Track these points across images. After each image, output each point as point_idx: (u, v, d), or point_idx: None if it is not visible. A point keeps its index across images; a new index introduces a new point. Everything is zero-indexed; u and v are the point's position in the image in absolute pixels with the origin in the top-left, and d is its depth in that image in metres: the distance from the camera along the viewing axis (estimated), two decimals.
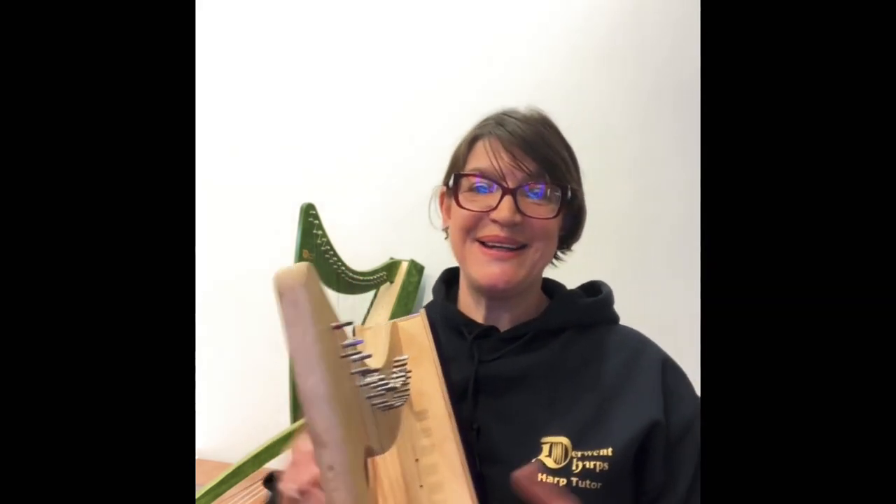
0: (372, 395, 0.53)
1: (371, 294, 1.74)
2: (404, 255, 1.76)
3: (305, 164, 1.96)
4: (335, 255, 1.50)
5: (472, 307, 0.80)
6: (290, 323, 0.45)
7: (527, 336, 0.75)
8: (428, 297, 1.77)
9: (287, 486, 0.56)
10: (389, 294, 1.70)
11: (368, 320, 1.69)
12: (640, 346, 0.76)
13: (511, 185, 0.70)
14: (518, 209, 0.70)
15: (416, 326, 0.73)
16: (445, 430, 0.65)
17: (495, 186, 0.71)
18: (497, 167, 0.71)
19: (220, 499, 1.17)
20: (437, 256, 1.77)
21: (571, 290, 0.83)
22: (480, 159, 0.73)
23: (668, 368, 0.75)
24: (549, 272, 0.84)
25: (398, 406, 0.60)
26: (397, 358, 0.64)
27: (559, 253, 0.82)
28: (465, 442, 0.66)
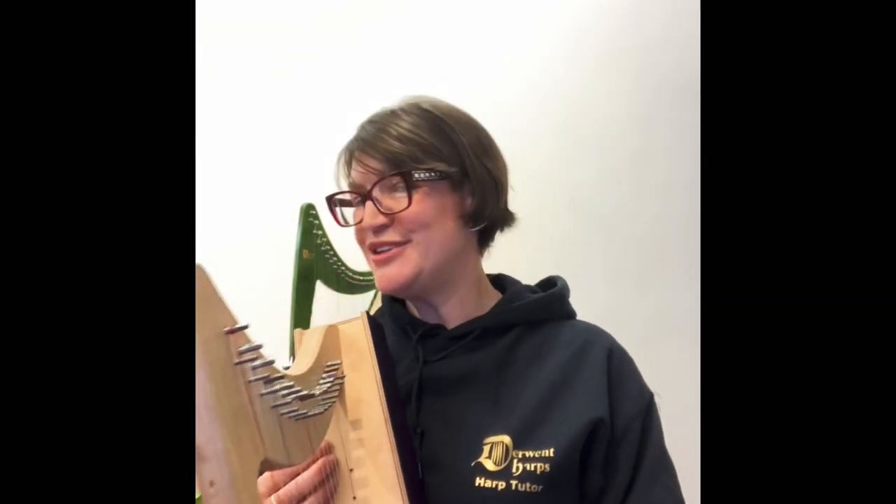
0: (278, 403, 0.50)
1: (371, 294, 1.74)
2: None
3: (305, 164, 1.96)
4: (335, 255, 1.50)
5: (414, 306, 0.79)
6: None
7: (473, 334, 0.73)
8: None
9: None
10: None
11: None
12: (589, 339, 0.73)
13: (368, 189, 0.71)
14: (380, 210, 0.70)
15: (356, 329, 0.70)
16: (381, 439, 0.62)
17: (358, 199, 0.73)
18: (352, 179, 0.74)
19: None
20: None
21: (523, 286, 0.80)
22: (343, 177, 0.77)
23: (615, 360, 0.72)
24: (537, 269, 0.82)
25: (316, 414, 0.56)
26: (330, 363, 0.62)
27: (492, 232, 0.78)
28: (408, 449, 0.65)
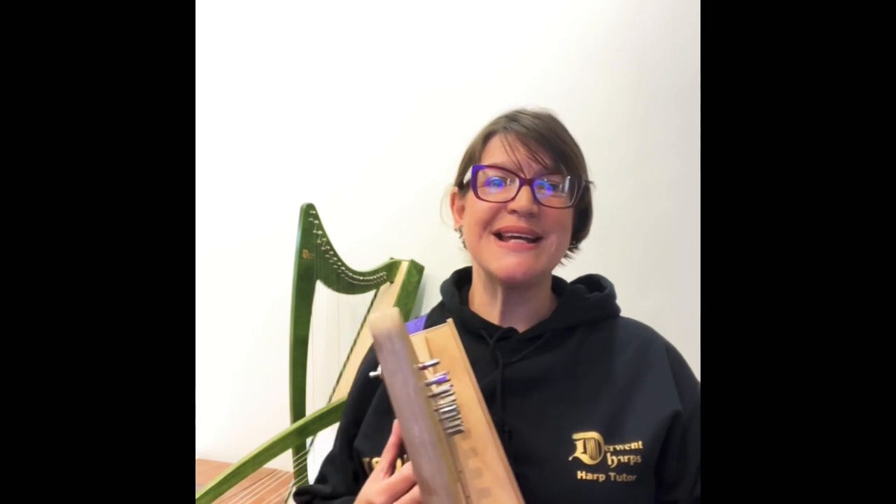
0: (449, 426, 0.54)
1: (371, 294, 1.74)
2: (404, 255, 1.76)
3: (305, 164, 1.96)
4: (335, 255, 1.50)
5: (487, 307, 0.80)
6: (391, 372, 0.47)
7: (545, 336, 0.77)
8: (428, 296, 1.78)
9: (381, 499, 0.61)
10: (389, 294, 1.70)
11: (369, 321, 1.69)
12: (646, 337, 0.79)
13: (528, 176, 0.72)
14: (536, 199, 0.72)
15: (445, 337, 0.72)
16: (486, 440, 0.65)
17: (510, 180, 0.73)
18: (514, 160, 0.73)
19: (220, 499, 1.17)
20: (437, 256, 1.77)
21: (575, 287, 0.84)
22: (496, 154, 0.75)
23: (672, 356, 0.78)
24: (557, 270, 0.85)
25: (462, 430, 0.60)
26: (440, 374, 0.64)
27: (568, 251, 0.83)
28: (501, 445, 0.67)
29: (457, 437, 0.65)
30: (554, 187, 0.74)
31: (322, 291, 1.52)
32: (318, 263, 1.45)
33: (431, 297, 1.76)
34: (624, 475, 0.68)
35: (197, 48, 1.98)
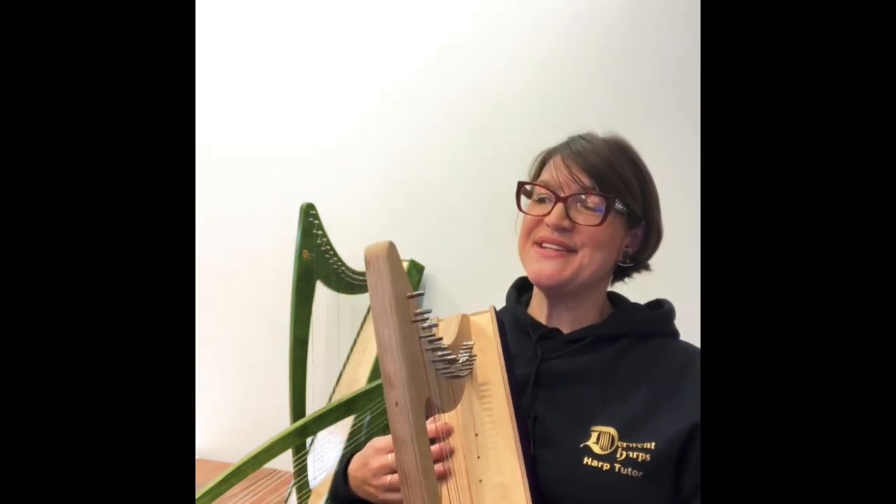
0: (436, 359, 0.61)
1: None
2: (404, 255, 1.76)
3: (305, 163, 1.96)
4: (335, 255, 1.50)
5: (538, 309, 0.88)
6: (372, 286, 0.54)
7: (587, 339, 0.82)
8: (428, 296, 1.78)
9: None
10: None
11: (369, 320, 1.69)
12: (693, 357, 0.81)
13: (564, 194, 0.80)
14: (568, 216, 0.79)
15: (485, 320, 0.82)
16: (503, 413, 0.74)
17: (552, 197, 0.80)
18: (556, 179, 0.81)
19: (220, 499, 1.17)
20: (437, 256, 1.78)
21: (634, 303, 0.89)
22: (546, 173, 0.84)
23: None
24: (620, 289, 0.90)
25: (461, 377, 0.69)
26: (465, 342, 0.74)
27: (633, 273, 0.90)
28: (523, 428, 0.74)
29: (479, 405, 0.76)
30: (592, 208, 0.79)
31: (322, 291, 1.52)
32: (318, 263, 1.45)
33: (432, 297, 1.76)
34: (630, 469, 0.71)
35: (197, 48, 1.99)
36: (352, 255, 1.56)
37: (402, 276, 0.56)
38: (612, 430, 0.74)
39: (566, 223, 0.79)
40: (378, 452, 0.74)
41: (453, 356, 0.65)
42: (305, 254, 1.43)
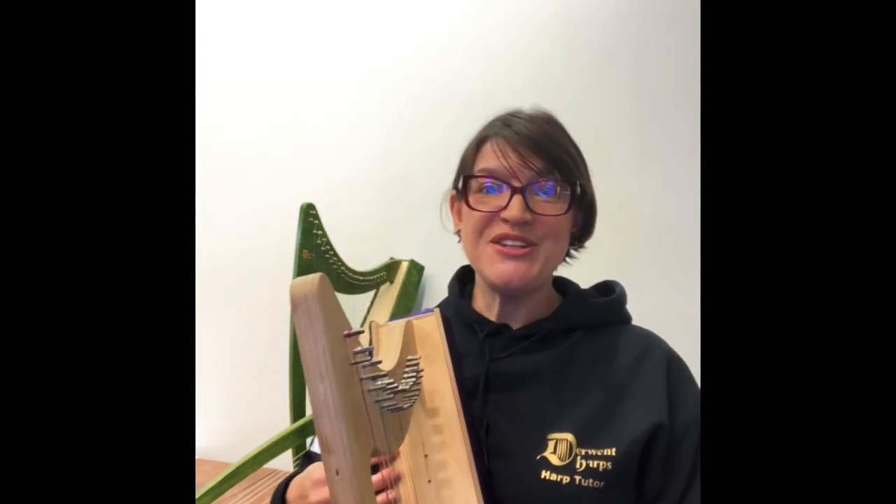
0: (381, 398, 0.55)
1: (371, 294, 1.74)
2: (404, 255, 1.76)
3: (305, 164, 1.96)
4: (335, 255, 1.50)
5: (486, 305, 0.81)
6: (302, 332, 0.47)
7: (537, 335, 0.76)
8: (428, 296, 1.78)
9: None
10: (389, 294, 1.70)
11: (368, 320, 1.69)
12: (649, 345, 0.77)
13: (520, 183, 0.72)
14: (528, 207, 0.71)
15: (431, 324, 0.74)
16: (455, 428, 0.67)
17: (505, 187, 0.72)
18: (506, 166, 0.72)
19: (220, 499, 1.17)
20: (437, 256, 1.77)
21: (584, 290, 0.83)
22: (489, 160, 0.74)
23: (674, 366, 0.76)
24: (563, 271, 0.85)
25: (406, 408, 0.61)
26: (410, 357, 0.66)
27: (572, 251, 0.83)
28: (475, 438, 0.68)
29: (427, 422, 0.68)
30: (548, 193, 0.73)
31: None
32: (318, 263, 1.45)
33: (432, 297, 1.76)
34: (591, 480, 0.66)
35: (197, 48, 1.99)
36: (352, 255, 1.56)
37: (336, 314, 0.50)
38: (569, 437, 0.69)
39: (528, 215, 0.71)
40: (317, 485, 0.65)
41: (399, 385, 0.58)
42: (305, 254, 1.43)
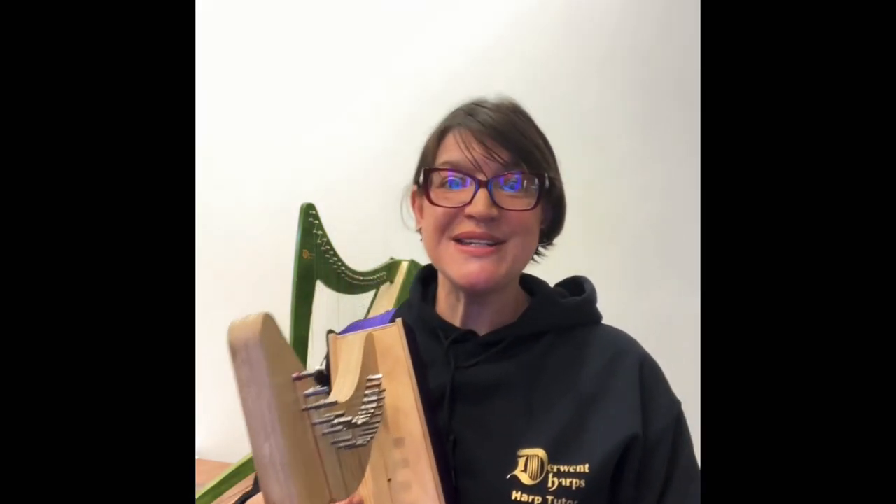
0: (337, 438, 0.50)
1: (371, 294, 1.74)
2: (404, 255, 1.76)
3: (305, 164, 1.96)
4: (335, 255, 1.50)
5: (450, 308, 0.76)
6: (243, 384, 0.42)
7: (505, 341, 0.72)
8: None
9: None
10: (389, 294, 1.70)
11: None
12: (620, 348, 0.73)
13: (485, 177, 0.67)
14: (494, 202, 0.66)
15: (392, 336, 0.69)
16: (419, 449, 0.62)
17: (469, 181, 0.67)
18: (470, 159, 0.67)
19: (219, 499, 1.17)
20: None
21: (552, 290, 0.79)
22: (451, 152, 0.69)
23: (646, 371, 0.72)
24: (532, 268, 0.81)
25: (366, 444, 0.55)
26: (370, 378, 0.61)
27: (541, 248, 0.78)
28: (441, 454, 0.64)
29: (390, 444, 0.63)
30: (515, 187, 0.68)
31: (322, 291, 1.52)
32: (318, 263, 1.45)
33: None
34: (563, 500, 0.63)
35: (197, 48, 1.98)
36: (352, 255, 1.56)
37: (283, 356, 0.44)
38: (540, 453, 0.65)
39: (494, 211, 0.66)
40: None
41: (360, 419, 0.52)
42: (305, 254, 1.43)
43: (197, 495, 1.13)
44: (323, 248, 1.46)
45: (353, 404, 0.54)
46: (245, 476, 1.20)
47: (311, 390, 0.47)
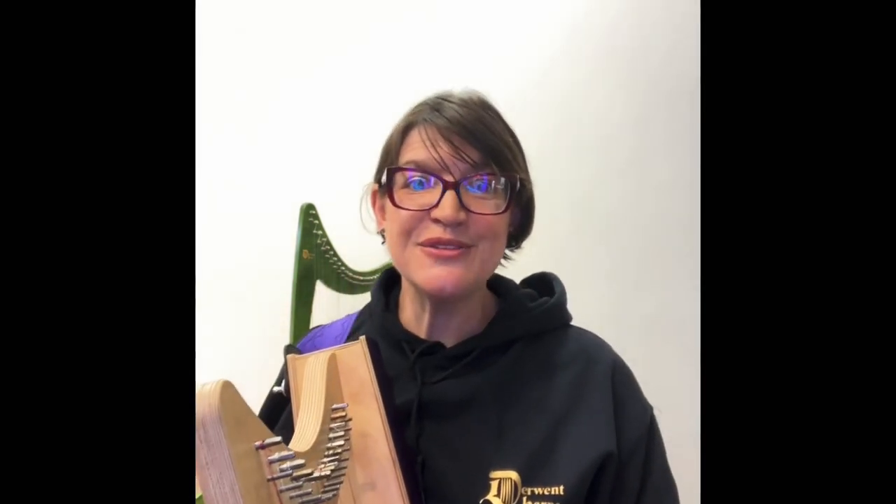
0: (303, 500, 0.47)
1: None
2: None
3: (305, 164, 1.96)
4: (335, 255, 1.50)
5: (414, 317, 0.72)
6: (202, 466, 0.41)
7: (474, 353, 0.68)
8: None
9: None
10: None
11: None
12: (592, 355, 0.71)
13: (453, 178, 0.63)
14: (463, 206, 0.63)
15: (356, 356, 0.65)
16: (387, 473, 0.60)
17: (433, 181, 0.64)
18: (436, 158, 0.63)
19: None
20: None
21: (521, 294, 0.74)
22: (416, 150, 0.65)
23: (619, 378, 0.70)
24: (532, 268, 0.80)
25: (331, 499, 0.52)
26: (335, 406, 0.58)
27: (507, 251, 0.75)
28: (411, 475, 0.62)
29: (357, 473, 0.60)
30: (482, 188, 0.64)
31: (322, 291, 1.52)
32: (318, 263, 1.45)
33: None
34: None
35: (197, 48, 1.98)
36: (352, 255, 1.56)
37: (245, 424, 0.42)
38: (513, 475, 0.62)
39: (462, 215, 0.62)
40: None
41: (325, 469, 0.50)
42: (305, 254, 1.43)
43: (197, 495, 1.12)
44: (323, 248, 1.46)
45: (318, 449, 0.51)
46: None
47: (275, 456, 0.44)
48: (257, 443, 0.43)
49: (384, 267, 1.68)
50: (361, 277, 1.60)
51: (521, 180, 0.67)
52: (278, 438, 0.46)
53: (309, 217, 1.43)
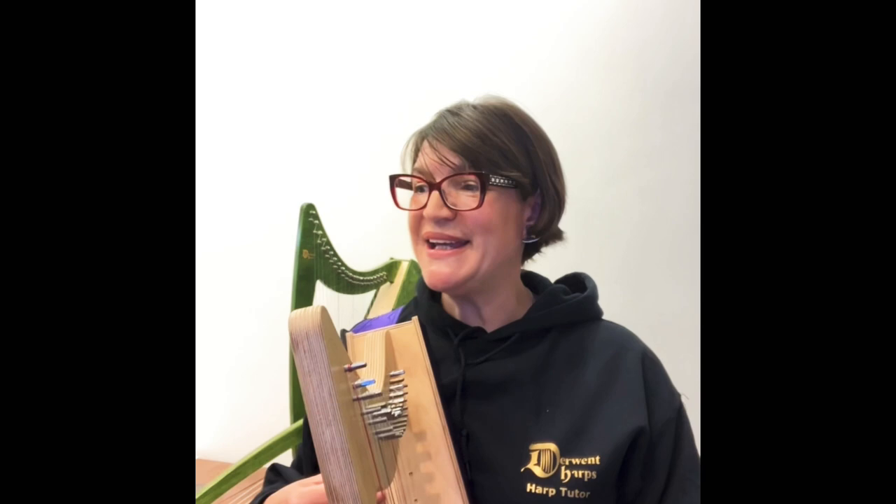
0: (380, 429, 0.52)
1: (371, 294, 1.74)
2: (404, 255, 1.76)
3: (305, 164, 1.96)
4: (335, 255, 1.50)
5: (450, 307, 0.80)
6: (305, 373, 0.45)
7: (513, 338, 0.74)
8: None
9: None
10: (389, 294, 1.70)
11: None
12: (622, 344, 0.76)
13: (437, 179, 0.71)
14: (446, 203, 0.70)
15: (409, 334, 0.71)
16: (440, 443, 0.65)
17: (426, 186, 0.72)
18: (426, 165, 0.72)
19: (220, 499, 1.17)
20: None
21: (555, 287, 0.81)
22: (419, 160, 0.75)
23: (648, 365, 0.75)
24: (532, 268, 0.83)
25: (401, 435, 0.58)
26: (393, 373, 0.63)
27: (541, 246, 0.81)
28: (458, 448, 0.67)
29: (412, 438, 0.65)
30: (469, 188, 0.71)
31: (322, 291, 1.52)
32: (318, 263, 1.45)
33: None
34: (576, 491, 0.66)
35: (197, 48, 1.99)
36: (352, 255, 1.56)
37: (337, 348, 0.47)
38: (552, 447, 0.68)
39: (445, 212, 0.70)
40: (303, 498, 0.60)
41: (393, 410, 0.55)
42: (305, 254, 1.43)
43: (197, 495, 1.13)
44: (323, 248, 1.46)
45: (384, 397, 0.56)
46: (245, 476, 1.20)
47: (358, 381, 0.50)
48: (346, 365, 0.48)
49: (384, 267, 1.69)
50: (361, 277, 1.60)
51: (508, 177, 0.71)
52: (364, 363, 0.52)
53: (309, 217, 1.43)
